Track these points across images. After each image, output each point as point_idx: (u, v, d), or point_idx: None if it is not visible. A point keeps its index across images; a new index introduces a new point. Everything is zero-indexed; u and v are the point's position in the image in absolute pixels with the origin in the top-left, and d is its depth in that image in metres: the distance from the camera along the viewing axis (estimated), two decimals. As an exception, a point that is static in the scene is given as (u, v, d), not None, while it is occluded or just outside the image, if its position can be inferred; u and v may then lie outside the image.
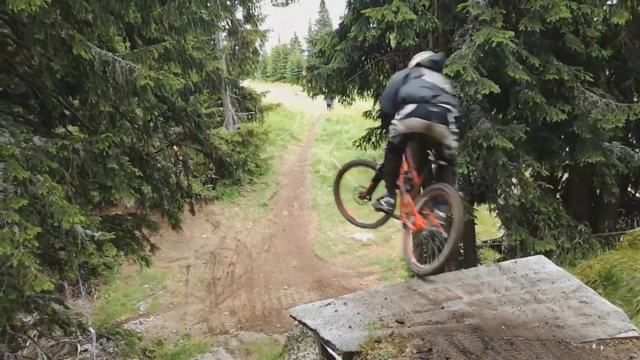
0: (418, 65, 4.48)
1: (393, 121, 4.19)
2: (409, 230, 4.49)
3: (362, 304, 4.13)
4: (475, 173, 8.73)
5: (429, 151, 4.37)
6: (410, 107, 4.03)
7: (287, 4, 25.84)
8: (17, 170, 5.86)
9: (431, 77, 4.26)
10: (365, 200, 5.10)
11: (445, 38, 9.56)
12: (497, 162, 8.15)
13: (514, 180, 8.45)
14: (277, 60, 64.81)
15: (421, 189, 4.65)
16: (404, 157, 4.52)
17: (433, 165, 4.41)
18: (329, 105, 36.05)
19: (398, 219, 4.67)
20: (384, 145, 4.63)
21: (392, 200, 4.64)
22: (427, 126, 4.00)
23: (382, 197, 4.72)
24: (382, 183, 4.81)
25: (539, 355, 3.25)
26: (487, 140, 8.04)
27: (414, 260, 4.48)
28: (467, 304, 3.94)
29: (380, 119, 4.83)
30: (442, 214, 4.18)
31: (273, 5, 25.56)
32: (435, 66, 4.45)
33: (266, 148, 27.29)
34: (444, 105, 3.99)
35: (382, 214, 4.86)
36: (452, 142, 4.10)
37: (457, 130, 4.08)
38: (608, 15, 7.83)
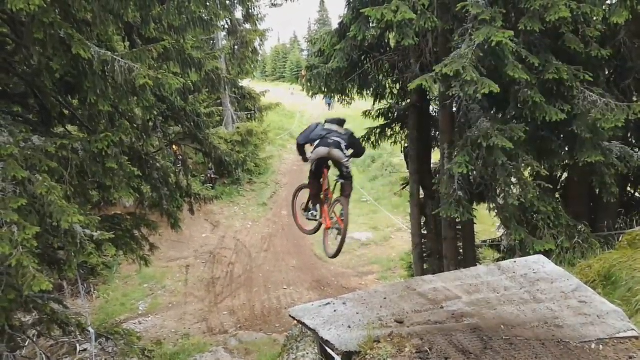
0: (325, 122, 6.31)
1: (308, 155, 6.20)
2: (325, 228, 6.43)
3: (361, 304, 4.13)
4: (474, 173, 8.72)
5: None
6: (316, 143, 6.06)
7: (281, 4, 25.88)
8: (16, 169, 5.85)
9: (330, 125, 6.18)
10: (306, 213, 6.85)
11: (444, 37, 9.55)
12: (497, 162, 8.14)
13: (513, 179, 8.44)
14: (277, 60, 64.79)
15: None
16: (320, 181, 6.38)
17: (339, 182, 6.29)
18: (329, 105, 36.02)
19: (321, 223, 6.52)
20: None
21: (315, 212, 6.64)
22: (328, 152, 5.97)
23: (309, 211, 6.77)
24: None
25: (538, 355, 3.25)
26: (487, 140, 8.03)
27: (328, 249, 6.59)
28: (467, 304, 3.94)
29: (299, 149, 6.52)
30: (340, 215, 6.20)
31: (272, 4, 25.53)
32: (335, 121, 6.27)
33: (265, 147, 27.28)
34: (335, 139, 6.00)
35: (314, 222, 6.73)
36: (346, 163, 6.07)
37: (348, 154, 6.07)
38: (608, 15, 7.81)
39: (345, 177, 6.20)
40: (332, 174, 6.46)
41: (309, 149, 6.32)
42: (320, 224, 6.62)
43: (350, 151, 6.16)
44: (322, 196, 6.49)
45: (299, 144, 6.45)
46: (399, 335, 3.56)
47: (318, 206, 6.59)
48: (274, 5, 25.51)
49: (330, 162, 6.21)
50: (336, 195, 6.46)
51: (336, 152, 5.94)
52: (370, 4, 9.41)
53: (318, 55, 11.56)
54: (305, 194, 6.94)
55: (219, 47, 24.53)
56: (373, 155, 26.65)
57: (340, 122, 6.31)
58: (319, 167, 6.21)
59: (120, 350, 10.01)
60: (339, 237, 6.23)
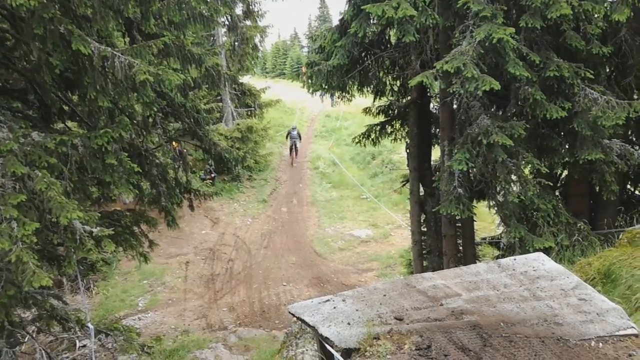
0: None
1: None
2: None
3: (360, 301, 4.13)
4: (474, 170, 8.72)
5: None
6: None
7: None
8: (15, 165, 5.85)
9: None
10: None
11: (445, 34, 9.53)
12: (497, 159, 8.13)
13: (513, 177, 8.43)
14: (277, 56, 64.71)
15: None
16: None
17: None
18: (331, 100, 36.00)
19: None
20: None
21: None
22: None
23: None
24: None
25: (538, 352, 3.25)
26: (487, 137, 8.02)
27: None
28: (466, 301, 3.94)
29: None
30: None
31: (273, 0, 25.49)
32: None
33: (265, 144, 27.27)
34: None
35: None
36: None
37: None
38: (609, 12, 7.79)
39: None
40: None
41: None
42: None
43: None
44: None
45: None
46: (398, 332, 3.56)
47: None
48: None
49: None
50: None
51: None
52: (371, 0, 9.39)
53: (318, 51, 11.54)
54: None
55: (219, 43, 24.46)
56: (373, 152, 26.65)
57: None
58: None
59: (120, 346, 10.02)
60: None
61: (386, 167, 26.88)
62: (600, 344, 3.39)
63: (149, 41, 7.67)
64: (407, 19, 8.34)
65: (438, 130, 11.60)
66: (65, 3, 6.68)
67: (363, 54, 11.10)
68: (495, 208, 9.14)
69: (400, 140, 13.64)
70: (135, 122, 9.64)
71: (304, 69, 13.55)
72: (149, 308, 15.20)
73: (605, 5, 7.95)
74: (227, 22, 23.33)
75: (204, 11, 8.79)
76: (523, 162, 8.46)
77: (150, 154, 10.00)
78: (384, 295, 4.18)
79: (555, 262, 4.88)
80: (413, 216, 12.48)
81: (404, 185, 14.45)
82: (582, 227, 8.40)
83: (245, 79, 27.58)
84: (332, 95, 23.22)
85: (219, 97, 25.47)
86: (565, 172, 10.43)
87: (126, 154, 7.73)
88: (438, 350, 3.29)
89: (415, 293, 4.20)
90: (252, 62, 26.02)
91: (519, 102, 8.37)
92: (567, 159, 9.08)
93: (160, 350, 12.11)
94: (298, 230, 20.95)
